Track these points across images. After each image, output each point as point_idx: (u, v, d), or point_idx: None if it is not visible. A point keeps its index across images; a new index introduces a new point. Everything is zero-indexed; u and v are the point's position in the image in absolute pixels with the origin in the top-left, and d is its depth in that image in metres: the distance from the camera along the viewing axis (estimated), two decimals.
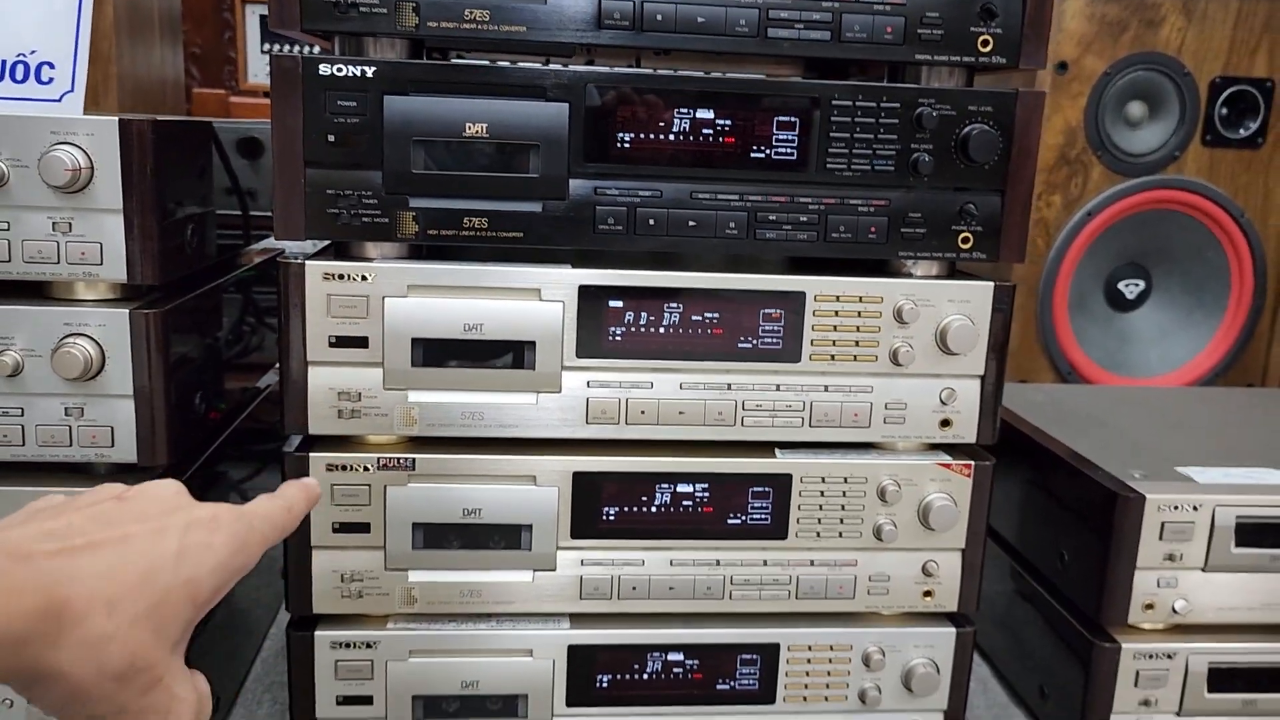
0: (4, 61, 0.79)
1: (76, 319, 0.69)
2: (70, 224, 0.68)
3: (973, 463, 0.79)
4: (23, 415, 0.70)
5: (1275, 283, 1.47)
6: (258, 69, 2.01)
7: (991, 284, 0.76)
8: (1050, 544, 0.90)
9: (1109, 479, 0.82)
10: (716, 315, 0.75)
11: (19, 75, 0.79)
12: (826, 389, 0.76)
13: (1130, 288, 1.47)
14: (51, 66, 0.79)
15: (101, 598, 0.42)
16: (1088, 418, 1.01)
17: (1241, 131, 1.40)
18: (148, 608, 0.43)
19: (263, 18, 1.97)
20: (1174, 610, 0.81)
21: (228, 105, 1.92)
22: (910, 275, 0.77)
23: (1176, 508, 0.79)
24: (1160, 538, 0.80)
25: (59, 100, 0.79)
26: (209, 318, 0.83)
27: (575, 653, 0.78)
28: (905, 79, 0.75)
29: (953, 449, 0.80)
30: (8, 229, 0.68)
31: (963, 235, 0.75)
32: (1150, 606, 0.81)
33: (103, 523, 0.45)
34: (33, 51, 0.80)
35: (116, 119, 0.67)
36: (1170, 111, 1.38)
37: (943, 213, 0.75)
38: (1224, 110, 1.39)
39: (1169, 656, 0.82)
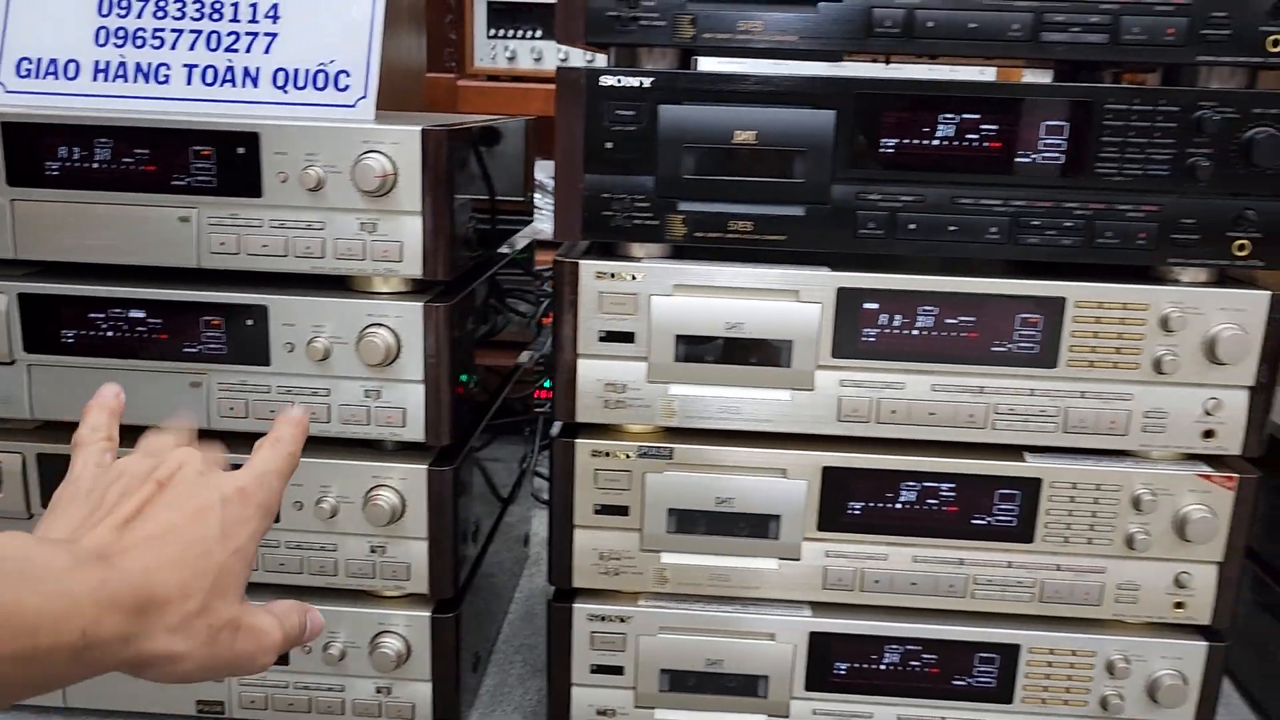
0: (308, 71, 0.87)
1: (378, 310, 0.76)
2: (375, 224, 0.75)
3: (1237, 475, 0.76)
4: (329, 395, 0.78)
5: None
6: (483, 54, 2.10)
7: (1268, 294, 0.73)
8: None
9: None
10: (972, 319, 0.75)
11: (320, 83, 0.87)
12: (1083, 395, 0.76)
13: None
14: (347, 74, 0.87)
15: (175, 585, 0.49)
16: None
17: None
18: (211, 582, 0.51)
19: (490, 3, 2.06)
20: None
21: (456, 89, 2.02)
22: (1176, 282, 0.75)
23: None
24: None
25: (354, 106, 0.87)
26: (478, 306, 0.90)
27: (816, 640, 0.81)
28: (1180, 80, 0.73)
29: (1213, 460, 0.78)
30: (323, 228, 0.75)
31: (1239, 242, 0.73)
32: None
33: (150, 516, 0.51)
34: (332, 61, 0.87)
35: (419, 129, 0.74)
36: None
37: (1218, 218, 0.73)
38: None
39: None
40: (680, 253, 0.78)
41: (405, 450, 0.81)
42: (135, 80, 0.89)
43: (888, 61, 0.92)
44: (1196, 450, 0.77)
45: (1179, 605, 0.79)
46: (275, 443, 0.59)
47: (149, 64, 0.88)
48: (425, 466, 0.79)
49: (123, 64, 0.89)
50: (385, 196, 0.75)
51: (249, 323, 0.77)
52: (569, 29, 0.72)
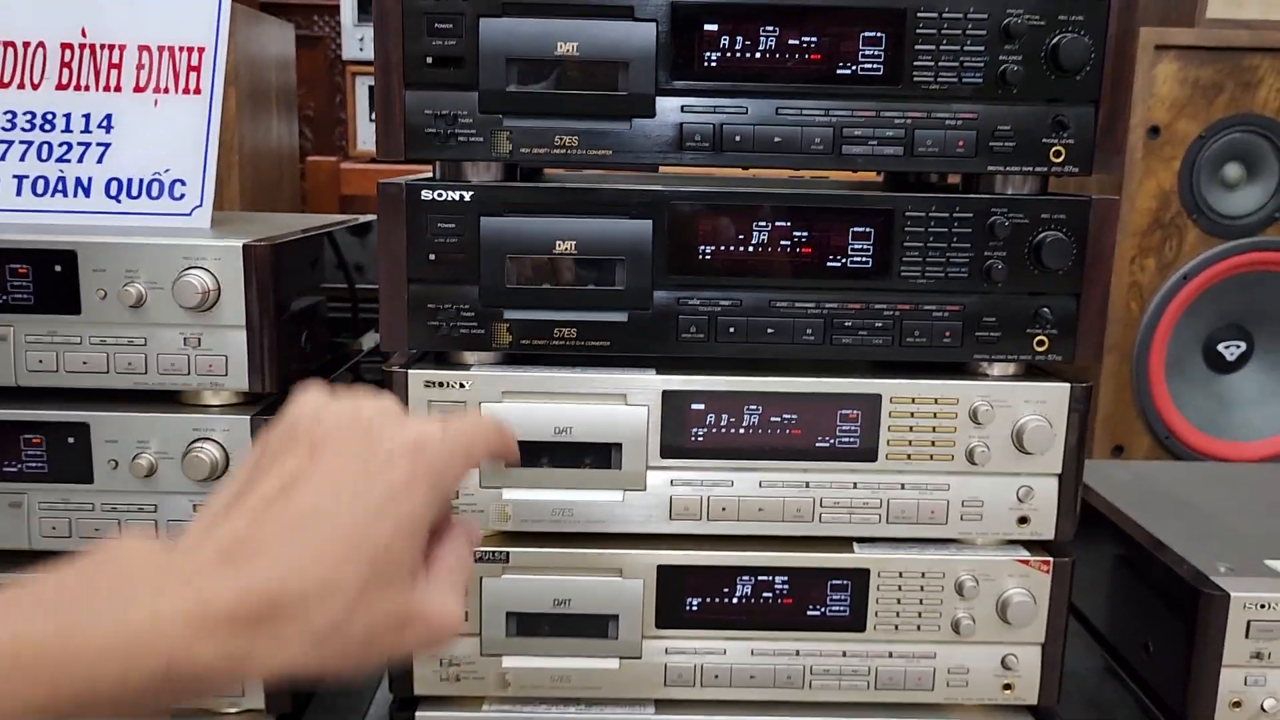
0: (142, 180, 0.87)
1: (205, 425, 0.76)
2: (199, 339, 0.75)
3: (1051, 559, 0.79)
4: (156, 511, 0.77)
5: None
6: (366, 136, 2.11)
7: (1068, 385, 0.77)
8: (1135, 633, 0.90)
9: (1193, 573, 0.82)
10: (795, 416, 0.77)
11: (154, 192, 0.87)
12: (903, 487, 0.78)
13: (1231, 350, 1.45)
14: (183, 184, 0.87)
15: (316, 582, 0.41)
16: (1175, 500, 1.00)
17: None
18: (371, 571, 0.42)
19: (371, 88, 2.07)
20: (1263, 709, 0.80)
21: (339, 172, 2.02)
22: (985, 376, 0.79)
23: (1264, 606, 0.79)
24: (1246, 636, 0.79)
25: (190, 215, 0.87)
26: None
27: None
28: (979, 186, 0.77)
29: (1031, 545, 0.81)
30: (145, 344, 0.75)
31: (1038, 338, 0.77)
32: (1238, 704, 0.81)
33: (294, 494, 0.43)
34: (166, 170, 0.88)
35: (241, 245, 0.74)
36: (1269, 172, 1.37)
37: (1018, 316, 0.77)
38: None
39: None
40: (510, 359, 0.79)
41: None
42: None
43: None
44: (1014, 536, 0.80)
45: (1007, 686, 0.81)
46: (481, 423, 0.51)
47: None
48: None
49: None
50: (209, 311, 0.74)
51: (70, 440, 0.76)
52: (389, 146, 0.74)
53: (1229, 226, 1.37)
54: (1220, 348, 1.45)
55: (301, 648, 0.41)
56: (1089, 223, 0.75)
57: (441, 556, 0.47)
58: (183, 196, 0.87)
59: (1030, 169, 0.75)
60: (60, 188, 0.87)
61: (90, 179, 0.87)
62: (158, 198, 0.87)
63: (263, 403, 0.79)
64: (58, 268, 0.74)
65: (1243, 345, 1.45)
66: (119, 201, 0.87)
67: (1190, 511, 0.97)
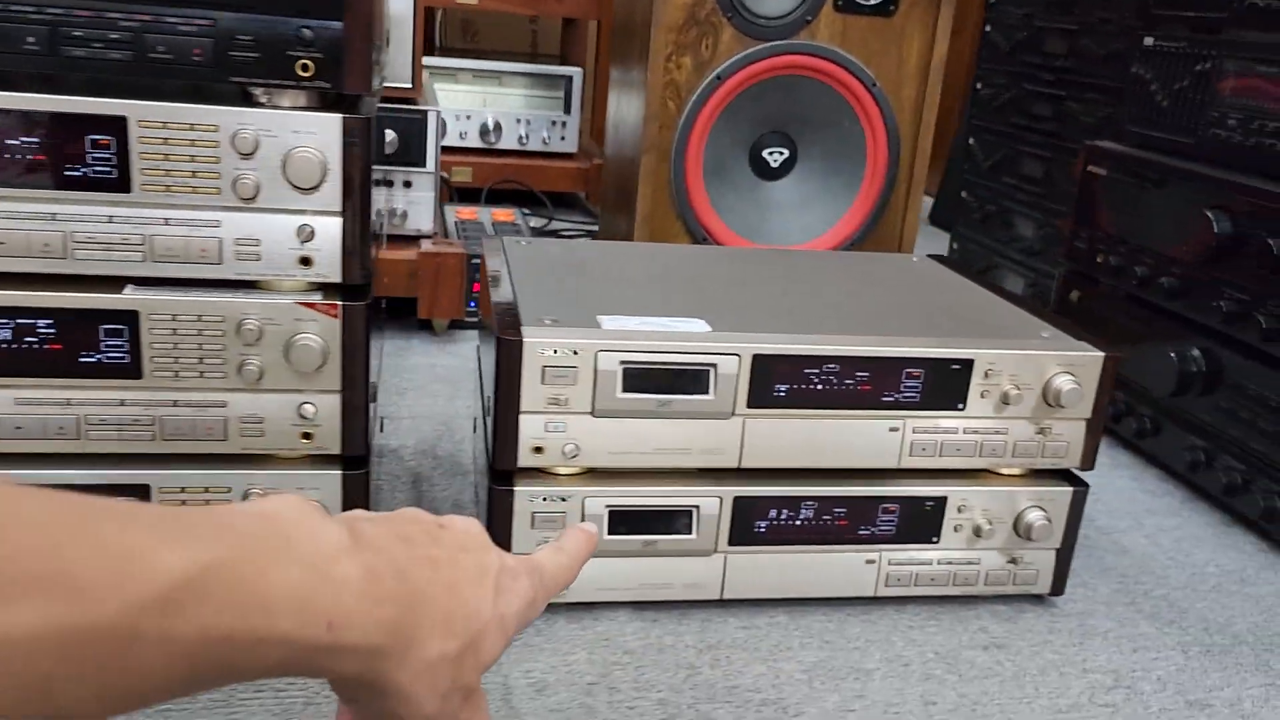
0: None
1: None
2: None
3: (340, 303, 0.77)
4: None
5: (909, 154, 1.47)
6: None
7: (340, 116, 0.73)
8: (485, 392, 0.90)
9: (507, 326, 0.81)
10: (36, 141, 0.70)
11: None
12: (167, 222, 0.73)
13: (774, 156, 1.47)
14: None
15: (441, 621, 0.46)
16: (576, 269, 0.99)
17: None
18: (472, 636, 0.47)
19: None
20: (564, 454, 0.81)
21: None
22: (259, 104, 0.74)
23: (556, 351, 0.79)
24: (543, 381, 0.79)
25: None
26: None
27: None
28: None
29: (328, 289, 0.78)
30: None
31: (302, 62, 0.72)
32: (540, 450, 0.81)
33: (436, 541, 0.48)
34: None
35: None
36: None
37: (279, 38, 0.71)
38: None
39: (563, 500, 0.82)
40: None
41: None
42: None
43: None
44: (299, 277, 0.76)
45: (306, 435, 0.79)
46: (558, 550, 0.57)
47: None
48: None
49: None
50: None
51: None
52: None
53: (764, 28, 1.36)
54: (765, 154, 1.46)
55: (411, 671, 0.44)
56: None
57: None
58: None
59: None
60: None
61: None
62: None
63: None
64: None
65: (786, 152, 1.47)
66: None
67: (574, 281, 0.96)
